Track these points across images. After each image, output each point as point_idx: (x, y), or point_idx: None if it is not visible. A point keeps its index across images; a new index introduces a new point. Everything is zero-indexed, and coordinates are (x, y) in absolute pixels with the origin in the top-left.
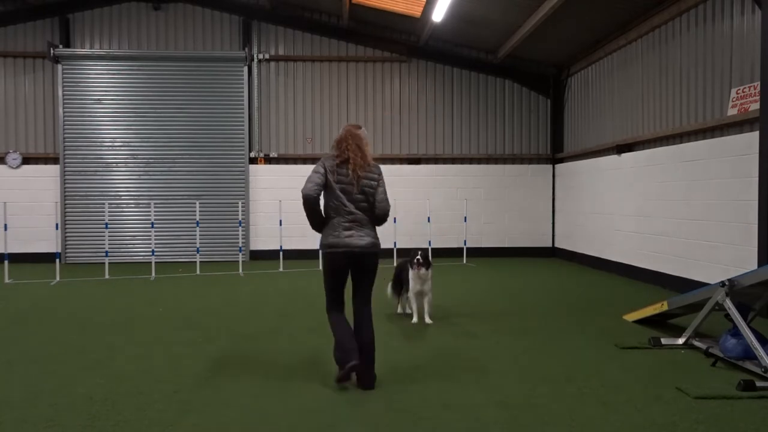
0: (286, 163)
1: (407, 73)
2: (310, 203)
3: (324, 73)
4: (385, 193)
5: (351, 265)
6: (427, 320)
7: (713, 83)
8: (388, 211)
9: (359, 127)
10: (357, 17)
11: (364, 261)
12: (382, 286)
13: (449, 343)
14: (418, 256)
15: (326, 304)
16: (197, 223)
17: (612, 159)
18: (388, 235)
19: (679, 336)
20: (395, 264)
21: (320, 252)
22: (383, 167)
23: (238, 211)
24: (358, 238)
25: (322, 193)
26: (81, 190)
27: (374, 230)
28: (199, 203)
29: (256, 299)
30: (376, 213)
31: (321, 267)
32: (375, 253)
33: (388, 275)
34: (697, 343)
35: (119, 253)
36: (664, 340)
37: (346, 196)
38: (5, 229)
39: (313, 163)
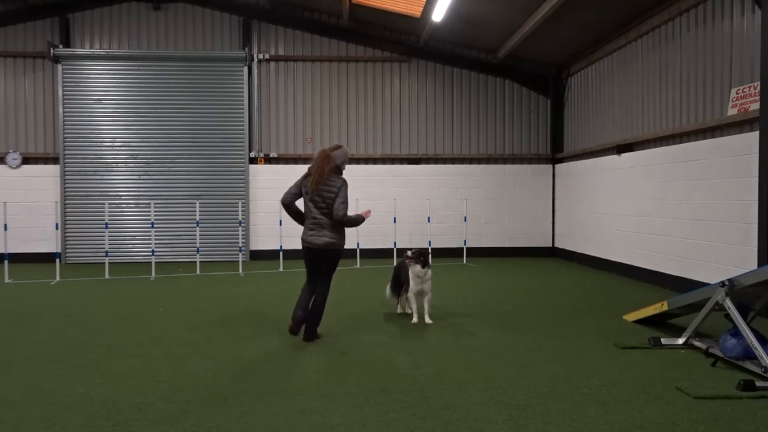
0: (286, 163)
1: (407, 73)
2: (285, 207)
3: (324, 73)
4: (342, 202)
5: (313, 257)
6: (428, 320)
7: (713, 83)
8: (342, 216)
9: (336, 148)
10: (357, 17)
11: (321, 256)
12: (382, 287)
13: (449, 343)
14: (409, 252)
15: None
16: (197, 223)
17: (612, 159)
18: (388, 235)
19: (679, 336)
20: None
21: None
22: (384, 167)
23: (238, 211)
24: (316, 238)
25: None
26: (81, 190)
27: (334, 231)
28: (199, 203)
29: (256, 299)
30: (333, 216)
31: None
32: (332, 251)
33: (388, 276)
34: (697, 343)
35: (119, 253)
36: (664, 340)
37: (312, 204)
38: (5, 229)
39: None
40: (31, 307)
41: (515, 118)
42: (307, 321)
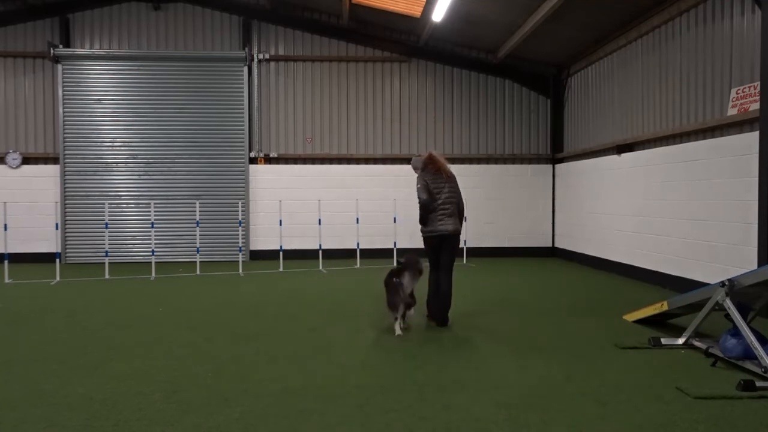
0: (286, 163)
1: (407, 73)
2: (432, 210)
3: (324, 73)
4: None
5: (439, 244)
6: None
7: (713, 83)
8: (463, 207)
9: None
10: (357, 17)
11: (453, 241)
12: (382, 287)
13: (449, 343)
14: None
15: None
16: (197, 223)
17: (612, 159)
18: (388, 236)
19: (679, 336)
20: (395, 263)
21: None
22: (384, 167)
23: (238, 211)
24: (449, 225)
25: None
26: (81, 190)
27: (458, 219)
28: (199, 203)
29: (256, 299)
30: (459, 207)
31: None
32: (458, 236)
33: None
34: (697, 343)
35: (119, 253)
36: (664, 340)
37: (447, 196)
38: (5, 229)
39: (313, 163)
40: (31, 307)
41: (515, 118)
42: (441, 308)
